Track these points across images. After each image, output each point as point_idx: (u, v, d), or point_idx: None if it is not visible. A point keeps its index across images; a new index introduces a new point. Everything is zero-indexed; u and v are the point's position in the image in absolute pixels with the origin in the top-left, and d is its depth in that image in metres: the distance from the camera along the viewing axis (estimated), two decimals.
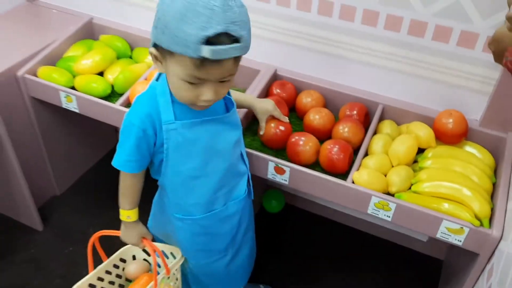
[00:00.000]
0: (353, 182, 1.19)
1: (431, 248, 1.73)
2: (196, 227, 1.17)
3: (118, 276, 1.32)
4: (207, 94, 0.93)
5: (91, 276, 1.22)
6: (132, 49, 1.68)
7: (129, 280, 1.34)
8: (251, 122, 1.40)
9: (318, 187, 1.22)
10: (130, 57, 1.66)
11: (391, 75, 1.40)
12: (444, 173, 1.18)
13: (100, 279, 1.26)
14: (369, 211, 1.18)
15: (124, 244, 1.24)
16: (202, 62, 0.86)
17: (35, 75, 1.54)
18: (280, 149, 1.31)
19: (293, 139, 1.26)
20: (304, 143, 1.25)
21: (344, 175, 1.23)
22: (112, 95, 1.51)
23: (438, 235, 1.13)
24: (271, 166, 1.25)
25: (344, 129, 1.29)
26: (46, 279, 1.62)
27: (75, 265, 1.65)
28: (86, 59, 1.54)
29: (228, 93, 1.13)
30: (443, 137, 1.27)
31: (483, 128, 1.31)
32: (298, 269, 1.69)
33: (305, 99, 1.40)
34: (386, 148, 1.26)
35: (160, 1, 0.89)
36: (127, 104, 1.44)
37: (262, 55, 1.52)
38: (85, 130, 1.90)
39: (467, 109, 1.33)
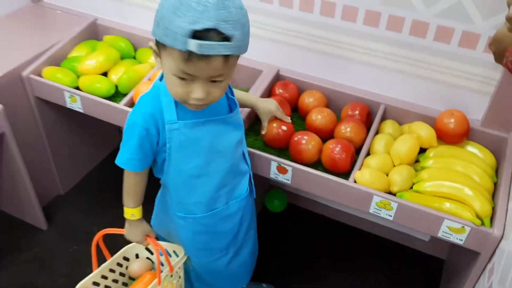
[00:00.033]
0: (355, 182, 1.19)
1: (433, 248, 1.73)
2: (198, 226, 1.17)
3: (122, 274, 1.33)
4: (197, 92, 0.93)
5: (95, 274, 1.23)
6: (135, 49, 1.69)
7: (132, 278, 1.35)
8: (253, 122, 1.40)
9: (320, 186, 1.22)
10: (134, 58, 1.67)
11: (392, 75, 1.40)
12: (445, 173, 1.19)
13: (104, 277, 1.27)
14: (371, 211, 1.19)
15: (127, 242, 1.25)
16: (190, 56, 0.86)
17: (40, 76, 1.55)
18: (282, 149, 1.32)
19: (296, 138, 1.27)
20: (307, 141, 1.25)
21: (346, 174, 1.24)
22: (116, 95, 1.52)
23: (440, 234, 1.13)
24: (273, 165, 1.25)
25: (346, 129, 1.29)
26: (50, 278, 1.62)
27: (79, 264, 1.66)
28: (90, 60, 1.55)
29: (232, 94, 1.13)
30: (444, 137, 1.28)
31: (485, 128, 1.31)
32: (300, 268, 1.69)
33: (307, 99, 1.41)
34: (388, 147, 1.27)
35: None
36: (131, 104, 1.45)
37: (264, 55, 1.53)
38: (89, 130, 1.91)
39: (468, 109, 1.33)
